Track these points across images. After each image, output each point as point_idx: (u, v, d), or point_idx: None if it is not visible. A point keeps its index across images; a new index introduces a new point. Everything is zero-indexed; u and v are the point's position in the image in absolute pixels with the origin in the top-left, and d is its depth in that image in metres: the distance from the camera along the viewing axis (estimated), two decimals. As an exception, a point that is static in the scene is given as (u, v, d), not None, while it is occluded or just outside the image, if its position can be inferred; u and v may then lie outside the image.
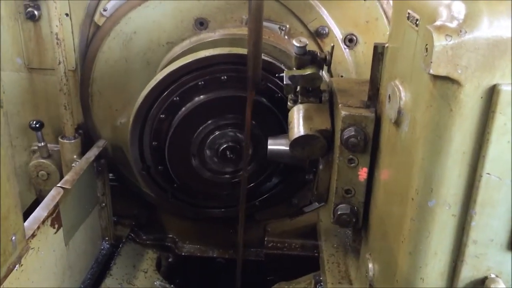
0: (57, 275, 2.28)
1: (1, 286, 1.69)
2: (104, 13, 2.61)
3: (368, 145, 1.72)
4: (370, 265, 1.72)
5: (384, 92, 1.67)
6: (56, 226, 2.23)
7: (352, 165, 1.76)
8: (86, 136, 2.91)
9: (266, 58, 2.34)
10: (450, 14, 1.16)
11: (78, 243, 2.50)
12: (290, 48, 2.39)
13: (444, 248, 1.31)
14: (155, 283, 2.86)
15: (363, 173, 1.77)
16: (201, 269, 3.20)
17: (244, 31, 2.37)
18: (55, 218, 2.20)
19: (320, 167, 1.95)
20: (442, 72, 1.14)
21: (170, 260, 3.13)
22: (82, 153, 2.77)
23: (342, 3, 2.54)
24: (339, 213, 1.81)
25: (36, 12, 2.66)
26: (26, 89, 2.88)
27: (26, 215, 2.15)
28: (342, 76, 2.62)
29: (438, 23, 1.17)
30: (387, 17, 2.54)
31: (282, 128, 2.43)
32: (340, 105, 1.77)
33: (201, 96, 2.38)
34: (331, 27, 2.54)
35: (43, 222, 2.05)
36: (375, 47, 1.68)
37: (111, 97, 2.79)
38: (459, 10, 1.15)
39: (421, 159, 1.27)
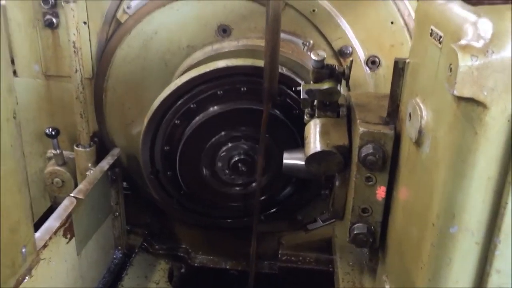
0: (69, 285, 2.27)
1: (11, 298, 1.67)
2: (128, 10, 2.59)
3: (387, 163, 1.66)
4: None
5: (404, 109, 1.61)
6: (69, 236, 2.21)
7: (369, 183, 1.70)
8: (101, 144, 2.90)
9: (285, 72, 2.30)
10: (477, 32, 1.11)
11: (91, 253, 2.48)
12: (307, 62, 2.35)
13: (466, 277, 1.24)
14: (167, 295, 2.84)
15: (381, 192, 1.71)
16: (214, 281, 3.16)
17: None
18: (67, 228, 2.18)
19: (337, 183, 1.90)
20: (467, 93, 1.09)
21: (182, 271, 3.10)
22: (97, 161, 2.76)
23: (369, 25, 2.50)
24: (355, 232, 1.75)
25: (54, 20, 2.66)
26: (42, 96, 2.88)
27: (40, 221, 2.14)
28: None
29: (463, 42, 1.12)
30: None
31: (296, 143, 2.39)
32: (358, 120, 1.71)
33: (219, 106, 2.34)
34: (355, 47, 2.50)
35: (55, 232, 2.03)
36: (396, 62, 1.62)
37: (125, 96, 2.77)
38: (486, 28, 1.10)
39: (443, 182, 1.21)
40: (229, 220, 2.87)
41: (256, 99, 2.29)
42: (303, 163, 2.05)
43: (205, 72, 2.32)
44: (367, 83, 2.58)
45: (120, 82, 2.73)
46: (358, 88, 2.57)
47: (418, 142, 1.39)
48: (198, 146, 2.45)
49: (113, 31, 2.69)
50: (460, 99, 1.12)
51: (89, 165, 2.73)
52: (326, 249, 3.00)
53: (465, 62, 1.07)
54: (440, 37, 1.27)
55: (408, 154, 1.52)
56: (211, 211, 2.81)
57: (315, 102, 1.93)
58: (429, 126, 1.33)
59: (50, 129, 2.72)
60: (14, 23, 2.70)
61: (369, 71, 2.55)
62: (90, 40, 2.71)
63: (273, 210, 2.81)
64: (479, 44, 1.08)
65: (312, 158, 1.82)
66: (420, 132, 1.36)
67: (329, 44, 2.50)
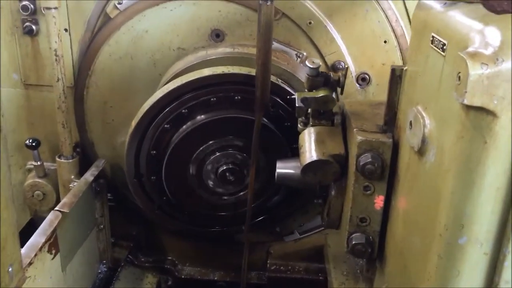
0: (54, 302, 2.18)
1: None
2: (119, 6, 2.52)
3: (385, 172, 1.64)
4: (388, 299, 1.63)
5: (402, 117, 1.60)
6: (54, 251, 2.13)
7: (367, 192, 1.68)
8: (83, 155, 2.81)
9: (278, 82, 2.27)
10: (484, 40, 1.09)
11: (76, 268, 2.39)
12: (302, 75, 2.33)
13: (475, 288, 1.22)
14: (155, 309, 2.76)
15: (379, 201, 1.69)
16: (202, 293, 3.10)
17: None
18: (52, 243, 2.10)
19: (333, 193, 1.87)
20: (476, 102, 1.06)
21: (169, 283, 3.02)
22: (80, 172, 2.67)
23: (363, 42, 2.49)
24: (354, 242, 1.72)
25: (34, 27, 2.57)
26: (22, 106, 2.78)
27: (21, 236, 2.05)
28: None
29: (471, 49, 1.10)
30: (404, 63, 2.49)
31: (284, 151, 2.37)
32: (355, 129, 1.69)
33: (209, 114, 2.29)
34: (348, 62, 2.49)
35: (41, 249, 1.95)
36: (393, 70, 1.61)
37: (109, 97, 2.68)
38: (494, 36, 1.08)
39: (450, 193, 1.19)
40: (214, 229, 2.81)
41: (248, 108, 2.25)
42: (296, 172, 2.03)
43: (201, 77, 2.26)
44: (356, 99, 2.57)
45: (105, 79, 2.64)
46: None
47: (421, 151, 1.37)
48: (187, 153, 2.39)
49: (94, 37, 2.61)
50: (469, 108, 1.10)
51: (72, 177, 2.64)
52: (315, 258, 2.97)
53: (475, 70, 1.05)
54: (444, 44, 1.25)
55: (409, 163, 1.50)
56: (195, 218, 2.75)
57: (309, 110, 1.90)
58: (433, 134, 1.30)
59: (31, 140, 2.63)
60: (-8, 30, 2.61)
61: (359, 88, 2.54)
62: (71, 48, 2.62)
63: (260, 218, 2.77)
64: (488, 51, 1.07)
65: (308, 167, 1.79)
66: (423, 141, 1.34)
67: (322, 57, 2.48)
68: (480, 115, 1.09)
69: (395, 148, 1.62)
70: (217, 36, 2.47)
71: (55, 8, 2.40)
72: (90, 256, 2.61)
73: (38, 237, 1.98)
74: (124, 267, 2.83)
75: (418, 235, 1.39)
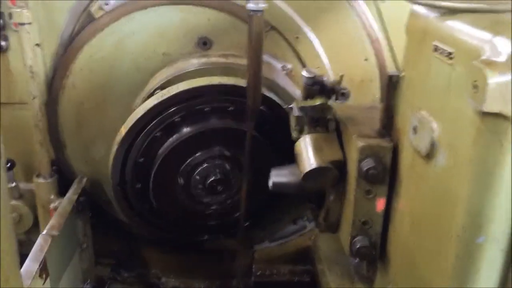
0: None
1: None
2: (105, 7, 2.45)
3: (386, 175, 1.69)
4: (396, 297, 1.68)
5: (401, 121, 1.65)
6: (44, 276, 2.04)
7: (369, 196, 1.72)
8: (59, 173, 2.71)
9: (267, 94, 2.30)
10: (496, 49, 1.15)
11: (63, 290, 2.31)
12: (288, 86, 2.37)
13: (492, 284, 1.28)
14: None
15: (380, 203, 1.74)
16: (189, 304, 3.06)
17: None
18: (43, 268, 2.02)
19: (331, 198, 1.91)
20: (495, 109, 1.12)
21: (155, 297, 2.98)
22: (59, 192, 2.58)
23: (346, 58, 2.55)
24: (358, 246, 1.76)
25: (3, 43, 2.46)
26: (-8, 126, 2.65)
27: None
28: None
29: (485, 58, 1.15)
30: (381, 80, 2.58)
31: (269, 160, 2.38)
32: (354, 135, 1.73)
33: (204, 123, 2.27)
34: (329, 77, 2.54)
35: (35, 275, 1.87)
36: (390, 76, 1.66)
37: (85, 95, 2.60)
38: (505, 44, 1.14)
39: (467, 196, 1.24)
40: (201, 238, 2.79)
41: (241, 119, 2.25)
42: (292, 179, 2.06)
43: (198, 87, 2.24)
44: None
45: (83, 79, 2.56)
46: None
47: (430, 155, 1.42)
48: (177, 161, 2.36)
49: (73, 38, 2.52)
50: (485, 113, 1.15)
51: (52, 197, 2.55)
52: (300, 259, 3.02)
53: (493, 79, 1.10)
54: (450, 53, 1.31)
55: (412, 166, 1.55)
56: (177, 226, 2.71)
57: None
58: (443, 139, 1.36)
59: (5, 161, 2.51)
60: (-43, 47, 2.47)
61: (338, 102, 2.61)
62: (45, 64, 2.53)
63: (247, 224, 2.77)
64: (501, 59, 1.12)
65: (309, 175, 1.81)
66: (432, 145, 1.39)
67: None
68: (497, 120, 1.14)
69: (394, 151, 1.68)
70: (204, 44, 2.46)
71: (29, 23, 2.31)
72: (75, 276, 2.52)
73: (31, 263, 1.90)
74: (110, 286, 2.76)
75: (429, 235, 1.44)
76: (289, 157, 2.25)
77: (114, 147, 2.34)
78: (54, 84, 2.57)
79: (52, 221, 2.18)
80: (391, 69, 2.60)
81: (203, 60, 2.40)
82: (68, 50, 2.51)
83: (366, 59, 2.55)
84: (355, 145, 1.71)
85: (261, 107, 2.21)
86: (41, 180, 2.55)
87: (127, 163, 2.38)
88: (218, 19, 2.43)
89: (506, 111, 1.12)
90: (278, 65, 2.46)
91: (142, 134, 2.30)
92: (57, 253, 2.20)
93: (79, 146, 2.70)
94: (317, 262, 2.51)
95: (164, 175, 2.38)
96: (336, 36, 2.52)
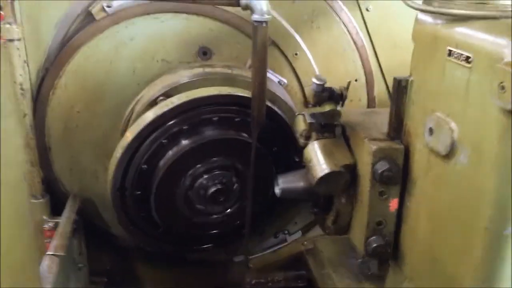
0: None
1: None
2: (108, 9, 2.40)
3: (399, 177, 1.76)
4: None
5: (412, 124, 1.72)
6: (50, 299, 1.99)
7: (383, 197, 1.79)
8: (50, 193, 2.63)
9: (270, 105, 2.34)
10: (516, 52, 1.24)
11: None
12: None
13: (517, 272, 1.37)
14: None
15: (394, 204, 1.80)
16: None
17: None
18: (50, 290, 1.96)
19: (343, 201, 1.96)
20: (522, 107, 1.21)
21: (150, 314, 2.93)
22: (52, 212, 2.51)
23: (338, 78, 2.57)
24: (374, 245, 1.82)
25: (-12, 61, 2.37)
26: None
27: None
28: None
29: (508, 60, 1.24)
30: (368, 100, 2.70)
31: (269, 167, 2.42)
32: (366, 139, 1.79)
33: (212, 132, 2.27)
34: None
35: (46, 299, 1.81)
36: (399, 81, 1.73)
37: (75, 97, 2.53)
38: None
39: (494, 189, 1.32)
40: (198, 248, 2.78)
41: (246, 130, 2.27)
42: (299, 185, 2.10)
43: (207, 96, 2.23)
44: None
45: (76, 81, 2.49)
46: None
47: (449, 155, 1.49)
48: (183, 170, 2.33)
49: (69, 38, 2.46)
50: (510, 111, 1.24)
51: (45, 217, 2.46)
52: (293, 265, 3.05)
53: (521, 80, 1.19)
54: (467, 57, 1.39)
55: (429, 166, 1.62)
56: (173, 237, 2.68)
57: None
58: (464, 139, 1.43)
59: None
60: None
61: None
62: (30, 80, 2.45)
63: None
64: (524, 62, 1.21)
65: (323, 180, 1.86)
66: (452, 144, 1.47)
67: (301, 88, 2.59)
68: (523, 117, 1.23)
69: (405, 152, 1.76)
70: (204, 53, 2.46)
71: (19, 39, 2.24)
72: (73, 297, 2.45)
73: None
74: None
75: (453, 230, 1.52)
76: (286, 167, 2.32)
77: (119, 152, 2.29)
78: (44, 84, 2.49)
79: (55, 241, 2.12)
80: (376, 73, 2.71)
81: (208, 69, 2.40)
82: (63, 50, 2.45)
83: (356, 80, 2.64)
84: (368, 148, 1.77)
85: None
86: (33, 200, 2.46)
87: (129, 169, 2.34)
88: (220, 30, 2.44)
89: (533, 108, 1.21)
90: (275, 79, 2.51)
91: (149, 140, 2.27)
92: (59, 275, 2.14)
93: (65, 156, 2.61)
94: (318, 267, 2.55)
95: (168, 183, 2.36)
96: (326, 50, 2.60)
